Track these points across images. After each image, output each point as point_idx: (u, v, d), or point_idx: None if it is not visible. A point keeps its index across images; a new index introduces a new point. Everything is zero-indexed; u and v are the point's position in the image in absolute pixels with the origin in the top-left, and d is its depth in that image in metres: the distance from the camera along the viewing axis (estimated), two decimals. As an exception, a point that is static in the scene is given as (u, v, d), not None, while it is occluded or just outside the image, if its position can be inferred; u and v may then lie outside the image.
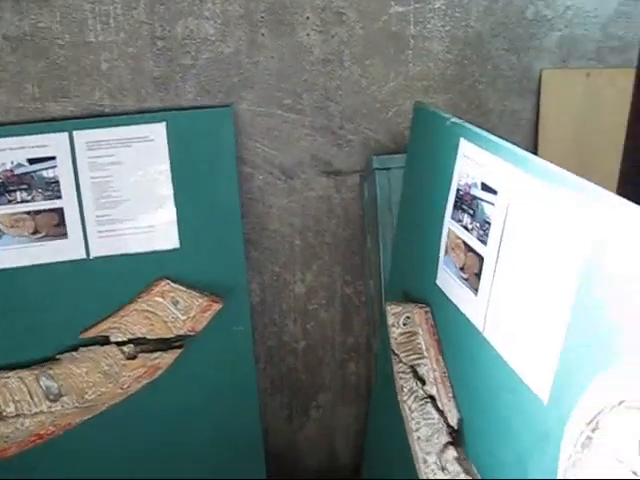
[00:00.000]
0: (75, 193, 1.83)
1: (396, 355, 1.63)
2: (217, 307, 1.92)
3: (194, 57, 1.86)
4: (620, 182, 1.88)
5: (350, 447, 2.38)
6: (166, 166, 1.86)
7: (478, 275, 1.29)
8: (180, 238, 1.90)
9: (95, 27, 1.79)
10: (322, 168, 2.02)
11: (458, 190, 1.40)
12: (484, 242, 1.27)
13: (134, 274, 1.90)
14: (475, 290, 1.30)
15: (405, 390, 1.59)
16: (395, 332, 1.61)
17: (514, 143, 1.24)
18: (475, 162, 1.34)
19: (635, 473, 0.82)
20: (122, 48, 1.82)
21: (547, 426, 1.04)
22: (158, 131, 1.84)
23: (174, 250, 1.91)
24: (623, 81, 2.08)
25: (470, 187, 1.34)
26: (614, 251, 0.91)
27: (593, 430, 0.89)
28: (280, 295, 2.13)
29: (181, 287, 1.90)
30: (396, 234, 1.89)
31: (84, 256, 1.87)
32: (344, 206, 2.07)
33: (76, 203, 1.84)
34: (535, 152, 2.11)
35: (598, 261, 0.94)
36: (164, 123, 1.84)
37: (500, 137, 1.30)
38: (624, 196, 0.94)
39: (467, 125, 1.44)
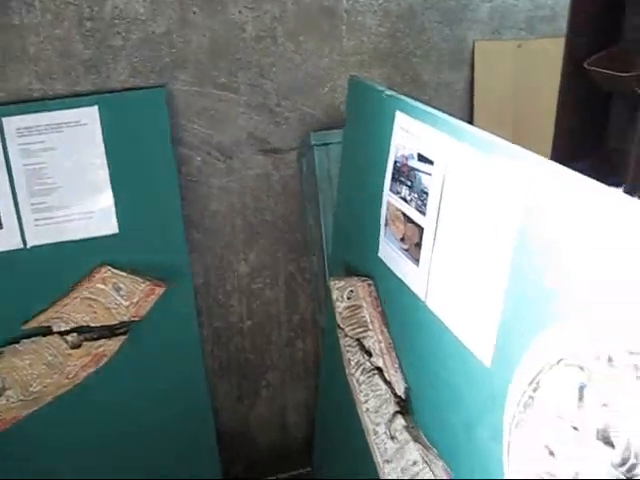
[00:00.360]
0: (8, 181, 1.78)
1: (342, 329, 1.64)
2: (160, 291, 1.90)
3: (124, 38, 1.82)
4: (553, 149, 1.92)
5: (302, 423, 2.39)
6: (101, 150, 1.82)
7: (418, 245, 1.31)
8: (119, 223, 1.87)
9: (20, 9, 1.74)
10: (260, 146, 2.01)
11: (395, 162, 1.41)
12: (423, 212, 1.29)
13: (74, 262, 1.86)
14: (416, 260, 1.32)
15: (352, 363, 1.61)
16: (340, 306, 1.62)
17: (450, 114, 1.25)
18: (411, 134, 1.34)
19: (575, 428, 0.84)
20: (49, 30, 1.77)
21: (491, 389, 1.06)
22: (91, 115, 1.80)
23: (113, 235, 1.87)
24: (554, 50, 2.12)
25: (407, 159, 1.35)
26: (548, 216, 0.93)
27: (535, 390, 0.91)
28: (224, 276, 2.12)
29: (123, 273, 1.88)
30: (336, 209, 1.89)
31: (21, 246, 1.83)
32: (283, 184, 2.06)
33: (9, 191, 1.79)
34: (471, 122, 2.13)
35: (533, 226, 0.96)
36: (96, 106, 1.80)
37: (436, 109, 1.31)
38: (557, 162, 0.96)
39: (402, 97, 1.45)
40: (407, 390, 1.43)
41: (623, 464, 0.76)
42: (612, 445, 0.78)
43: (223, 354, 2.21)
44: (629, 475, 0.76)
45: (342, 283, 1.62)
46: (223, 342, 2.20)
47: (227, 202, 2.04)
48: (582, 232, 0.86)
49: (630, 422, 0.75)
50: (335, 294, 1.63)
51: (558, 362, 0.86)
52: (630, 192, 0.82)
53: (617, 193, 0.83)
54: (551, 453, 0.89)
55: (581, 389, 0.82)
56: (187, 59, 1.88)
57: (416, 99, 1.40)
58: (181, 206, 1.94)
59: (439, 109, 1.30)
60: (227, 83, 1.93)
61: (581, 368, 0.82)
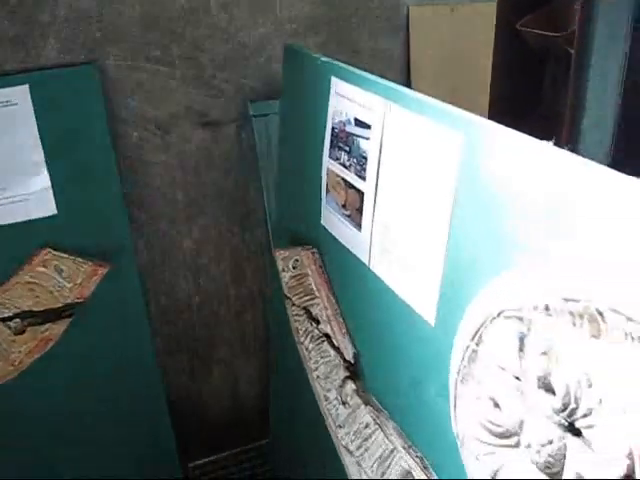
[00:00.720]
0: (-63, 167, 1.73)
1: (289, 299, 1.65)
2: (103, 271, 1.87)
3: (52, 13, 1.76)
4: (489, 111, 1.94)
5: (256, 395, 2.40)
6: (34, 130, 1.77)
7: (360, 210, 1.31)
8: (57, 204, 1.82)
9: (-61, -14, 1.68)
10: (198, 120, 1.97)
11: (333, 128, 1.41)
12: (362, 177, 1.29)
13: (12, 246, 1.81)
14: (358, 225, 1.32)
15: (301, 332, 1.61)
16: (286, 276, 1.62)
17: (386, 79, 1.25)
18: (347, 99, 1.34)
19: (518, 378, 0.86)
20: (-30, 8, 1.71)
21: (437, 347, 1.08)
22: (21, 94, 1.75)
23: (52, 217, 1.83)
24: (487, 14, 2.14)
25: (344, 124, 1.35)
26: (485, 173, 0.94)
27: (477, 344, 0.93)
28: (168, 253, 2.10)
29: (64, 254, 1.84)
30: (278, 179, 1.89)
31: (-45, 232, 1.78)
32: (224, 156, 2.04)
33: (-61, 178, 1.74)
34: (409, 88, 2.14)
35: (470, 184, 0.98)
36: (27, 85, 1.74)
37: (372, 74, 1.31)
38: (493, 120, 0.97)
39: (337, 63, 1.44)
40: (356, 355, 1.45)
41: (564, 409, 0.79)
42: (553, 392, 0.80)
43: (172, 331, 2.20)
44: (570, 419, 0.78)
45: (287, 253, 1.62)
46: (171, 319, 2.18)
47: (167, 178, 2.01)
48: (518, 189, 0.87)
49: (568, 368, 0.77)
50: (280, 264, 1.63)
51: (499, 314, 0.87)
52: (560, 144, 0.83)
53: (547, 146, 0.84)
54: (496, 405, 0.91)
55: (521, 339, 0.84)
56: (118, 33, 1.83)
57: (353, 66, 1.40)
58: (120, 184, 1.90)
59: (375, 74, 1.30)
60: (161, 56, 1.89)
61: (520, 319, 0.83)
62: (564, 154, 0.82)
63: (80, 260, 1.85)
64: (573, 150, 0.82)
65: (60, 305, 1.87)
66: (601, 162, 0.76)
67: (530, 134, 0.88)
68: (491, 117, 1.65)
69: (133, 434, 2.12)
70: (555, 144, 0.85)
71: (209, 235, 2.11)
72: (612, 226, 0.72)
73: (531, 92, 2.05)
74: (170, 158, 1.98)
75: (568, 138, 1.83)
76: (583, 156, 0.79)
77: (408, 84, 2.17)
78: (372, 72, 1.32)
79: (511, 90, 2.06)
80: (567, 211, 0.79)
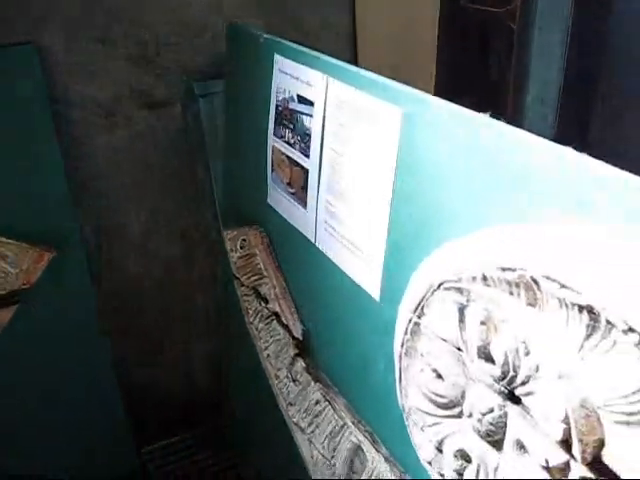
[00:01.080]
0: None
1: (238, 279, 1.64)
2: (49, 256, 1.83)
3: (-14, -9, 1.72)
4: (436, 85, 1.95)
5: (209, 377, 2.39)
6: (-29, 115, 1.73)
7: (304, 188, 1.31)
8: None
9: None
10: (142, 100, 1.94)
11: (277, 106, 1.40)
12: (306, 155, 1.29)
13: (-47, 234, 1.78)
14: (303, 203, 1.32)
15: (250, 311, 1.61)
16: (234, 257, 1.62)
17: (333, 56, 1.24)
18: (290, 76, 1.34)
19: (459, 349, 0.87)
20: None
21: (382, 321, 1.09)
22: (-45, 77, 1.70)
23: (-6, 202, 1.79)
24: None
25: (288, 101, 1.34)
26: (426, 146, 0.95)
27: (420, 316, 0.94)
28: (117, 237, 2.06)
29: (8, 240, 1.80)
30: (225, 160, 1.87)
31: None
32: (170, 138, 2.00)
33: None
34: (356, 64, 2.13)
35: (410, 158, 0.98)
36: (-39, 68, 1.70)
37: (318, 51, 1.30)
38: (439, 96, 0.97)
39: (280, 40, 1.43)
40: (304, 332, 1.45)
41: (504, 377, 0.80)
42: (492, 361, 0.81)
43: (122, 316, 2.17)
44: (510, 387, 0.80)
45: (234, 233, 1.62)
46: (122, 304, 2.15)
47: (113, 160, 1.97)
48: (457, 162, 0.88)
49: (506, 337, 0.78)
50: (228, 245, 1.63)
51: (439, 286, 0.88)
52: (496, 116, 0.84)
53: (484, 117, 0.85)
54: (439, 376, 0.92)
55: (461, 310, 0.85)
56: (57, 12, 1.78)
57: (297, 43, 1.39)
58: (65, 168, 1.87)
59: (320, 51, 1.29)
60: (102, 36, 1.84)
61: (460, 290, 0.84)
62: (503, 126, 0.82)
63: (25, 245, 1.81)
64: (512, 122, 0.83)
65: (5, 292, 1.84)
66: (545, 136, 0.77)
67: (476, 109, 0.88)
68: (437, 90, 1.66)
69: (84, 421, 2.09)
70: (492, 116, 0.85)
71: (158, 218, 2.09)
72: (546, 195, 0.73)
73: (477, 67, 2.06)
74: (115, 140, 1.95)
75: (513, 111, 1.85)
76: (527, 130, 0.80)
77: (355, 60, 2.16)
78: (319, 49, 1.31)
79: (457, 65, 2.06)
80: (504, 182, 0.80)
